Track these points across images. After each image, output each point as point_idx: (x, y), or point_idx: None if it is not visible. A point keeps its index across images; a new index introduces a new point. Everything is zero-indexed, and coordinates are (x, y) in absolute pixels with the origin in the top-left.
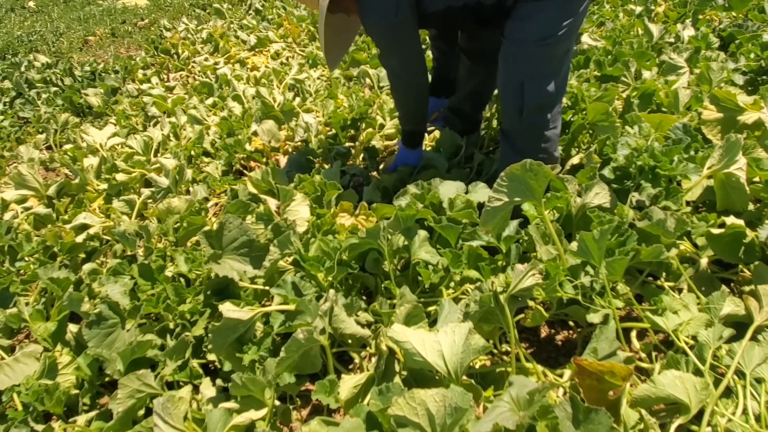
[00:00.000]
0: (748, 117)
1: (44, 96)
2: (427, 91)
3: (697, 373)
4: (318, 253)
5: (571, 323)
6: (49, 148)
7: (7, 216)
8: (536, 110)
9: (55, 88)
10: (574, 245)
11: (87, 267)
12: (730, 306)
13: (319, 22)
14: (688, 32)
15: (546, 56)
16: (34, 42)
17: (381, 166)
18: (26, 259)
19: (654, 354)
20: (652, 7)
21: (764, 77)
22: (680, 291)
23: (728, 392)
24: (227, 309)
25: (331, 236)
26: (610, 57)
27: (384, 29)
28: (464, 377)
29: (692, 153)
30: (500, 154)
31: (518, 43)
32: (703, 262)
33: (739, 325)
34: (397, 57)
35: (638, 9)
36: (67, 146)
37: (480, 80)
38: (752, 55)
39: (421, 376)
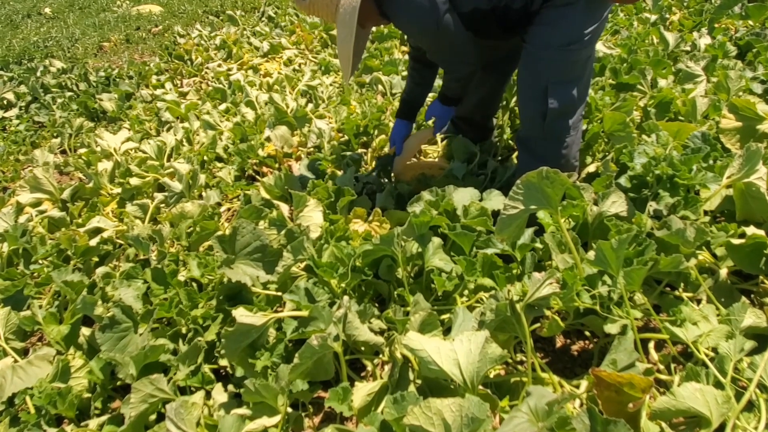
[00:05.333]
0: None
1: (59, 101)
2: (474, 74)
3: (718, 385)
4: (331, 260)
5: (587, 333)
6: (63, 152)
7: (22, 219)
8: (559, 115)
9: (70, 93)
10: (591, 254)
11: (100, 270)
12: (752, 318)
13: (342, 34)
14: (704, 41)
15: (570, 61)
16: (49, 48)
17: (392, 176)
18: (40, 261)
19: (673, 366)
20: (667, 16)
21: None
22: (699, 302)
23: (750, 406)
24: (240, 314)
25: (344, 242)
26: (626, 65)
27: (427, 38)
28: (480, 387)
29: (711, 162)
30: (519, 161)
31: (544, 47)
32: (723, 272)
33: (760, 338)
34: (443, 55)
35: (653, 17)
36: (82, 150)
37: (489, 89)
38: None
39: (436, 384)
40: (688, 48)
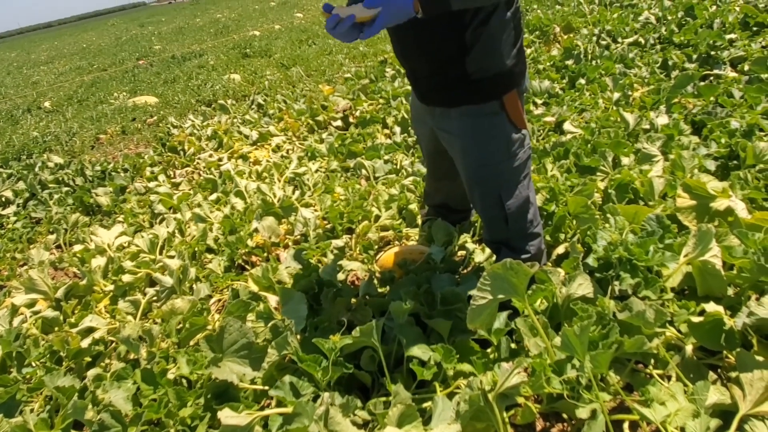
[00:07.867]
0: (720, 204)
1: (56, 196)
2: None
3: None
4: (315, 354)
5: (564, 416)
6: (58, 247)
7: (16, 320)
8: (519, 215)
9: (66, 188)
10: (557, 340)
11: (91, 373)
12: (716, 395)
13: None
14: (661, 120)
15: (515, 166)
16: (48, 142)
17: (378, 256)
18: (33, 364)
19: None
20: (629, 93)
21: (735, 162)
22: (669, 378)
23: None
24: (226, 416)
25: (325, 338)
26: (588, 146)
27: None
28: None
29: (669, 241)
30: (496, 257)
31: (486, 165)
32: (689, 348)
33: (726, 414)
34: None
35: (616, 95)
36: (77, 247)
37: (447, 191)
38: (722, 140)
39: None
40: (648, 126)
